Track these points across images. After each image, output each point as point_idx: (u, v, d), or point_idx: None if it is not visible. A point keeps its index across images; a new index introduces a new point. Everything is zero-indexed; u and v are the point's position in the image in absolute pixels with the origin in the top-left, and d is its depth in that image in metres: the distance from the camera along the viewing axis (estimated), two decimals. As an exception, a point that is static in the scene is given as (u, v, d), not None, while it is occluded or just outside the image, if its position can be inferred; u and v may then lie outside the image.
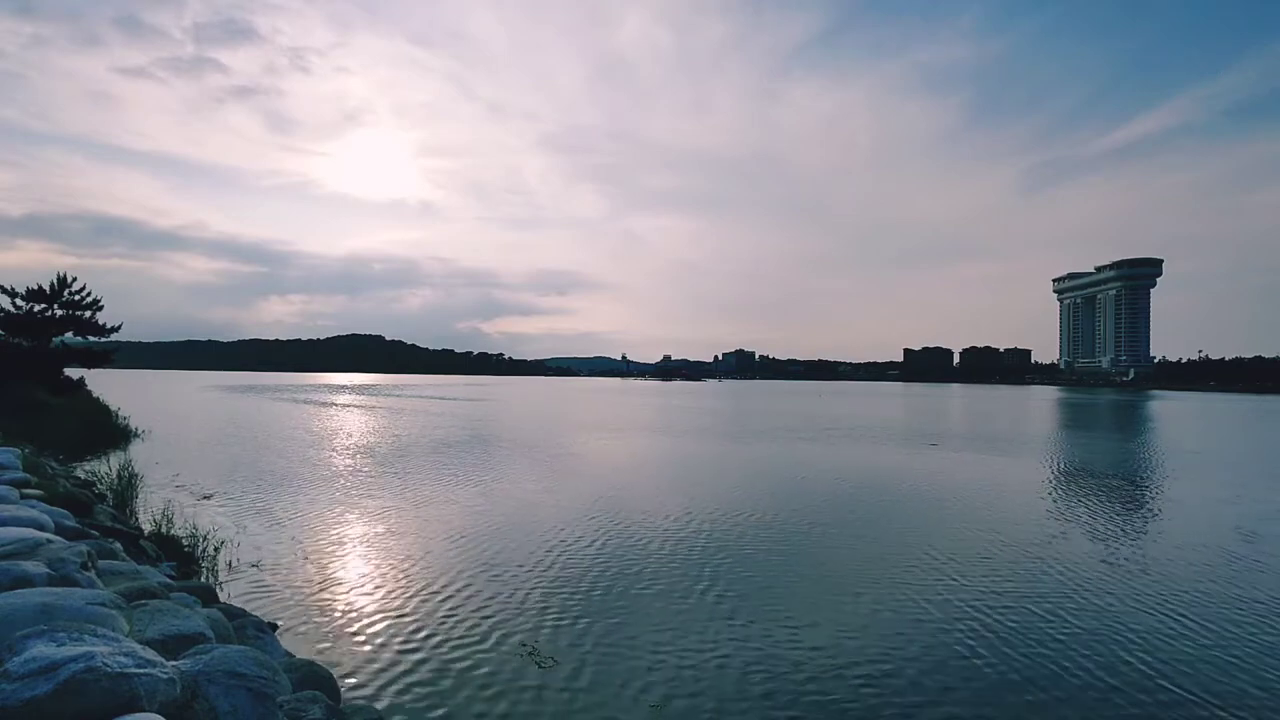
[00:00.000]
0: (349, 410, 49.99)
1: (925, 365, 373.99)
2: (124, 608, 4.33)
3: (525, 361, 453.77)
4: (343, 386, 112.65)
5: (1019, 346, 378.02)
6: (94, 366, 33.36)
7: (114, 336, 32.51)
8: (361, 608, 8.29)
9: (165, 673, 3.27)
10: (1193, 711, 6.12)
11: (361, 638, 7.35)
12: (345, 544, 11.36)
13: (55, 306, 30.67)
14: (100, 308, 31.81)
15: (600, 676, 6.58)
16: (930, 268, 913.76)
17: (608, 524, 13.16)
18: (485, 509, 14.49)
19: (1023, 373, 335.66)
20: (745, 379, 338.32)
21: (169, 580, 6.98)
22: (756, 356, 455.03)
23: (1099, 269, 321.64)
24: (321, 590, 8.90)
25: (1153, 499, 17.18)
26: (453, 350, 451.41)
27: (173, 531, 10.13)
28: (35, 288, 30.28)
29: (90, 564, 5.28)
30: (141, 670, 3.16)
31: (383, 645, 7.17)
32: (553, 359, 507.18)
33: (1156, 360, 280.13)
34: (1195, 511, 15.37)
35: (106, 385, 48.84)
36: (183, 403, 55.63)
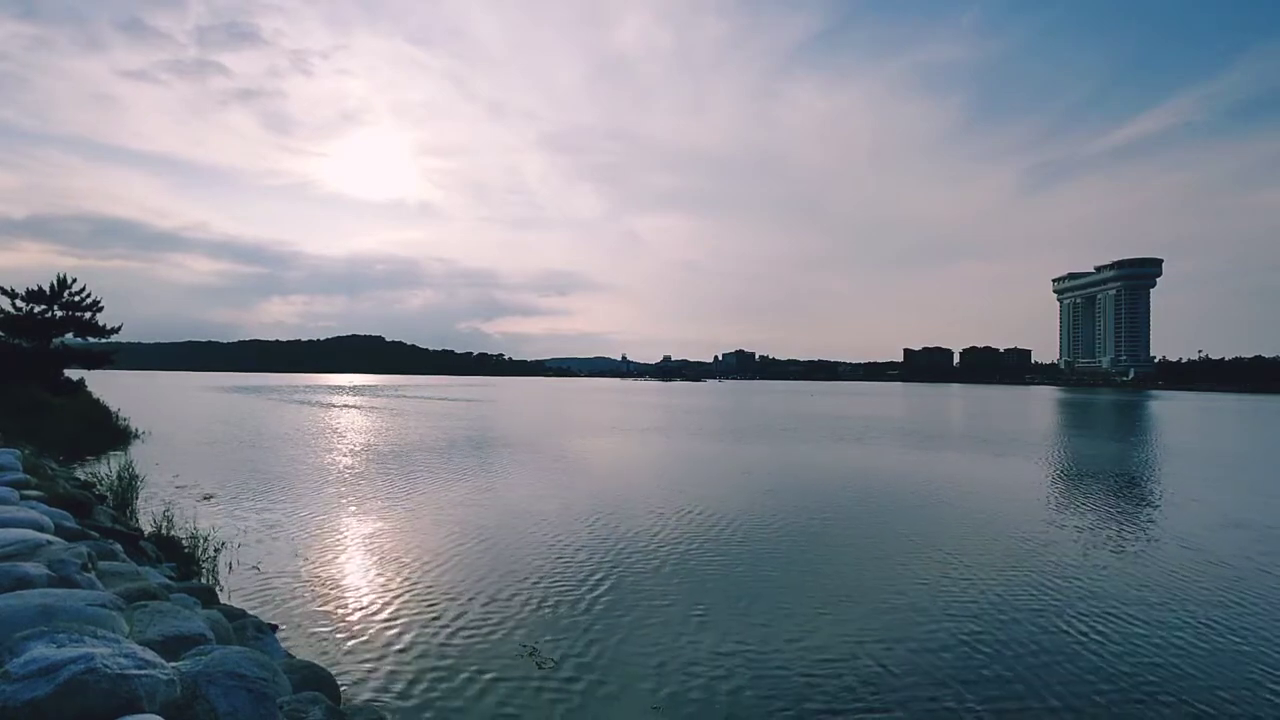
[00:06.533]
0: (349, 411, 50.00)
1: (925, 365, 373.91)
2: (124, 609, 4.34)
3: (525, 362, 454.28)
4: (343, 387, 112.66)
5: (1019, 346, 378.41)
6: (94, 367, 33.38)
7: (114, 337, 32.53)
8: (362, 608, 8.29)
9: (165, 674, 3.27)
10: (1191, 710, 6.12)
11: (362, 638, 7.35)
12: (345, 545, 11.36)
13: (55, 307, 30.68)
14: (100, 309, 31.83)
15: (601, 677, 6.58)
16: (930, 268, 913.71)
17: (608, 524, 13.16)
18: (485, 509, 14.49)
19: (1023, 373, 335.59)
20: (745, 379, 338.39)
21: (169, 581, 6.98)
22: (756, 357, 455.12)
23: (1099, 269, 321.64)
24: (322, 591, 8.90)
25: (1152, 499, 17.16)
26: (453, 351, 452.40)
27: (173, 532, 10.12)
28: (35, 289, 30.30)
29: (90, 565, 5.28)
30: (141, 671, 3.16)
31: (383, 646, 7.17)
32: (553, 359, 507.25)
33: (1156, 360, 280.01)
34: (1194, 511, 15.35)
35: (107, 386, 48.86)
36: (183, 404, 55.64)
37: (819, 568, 10.53)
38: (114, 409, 29.49)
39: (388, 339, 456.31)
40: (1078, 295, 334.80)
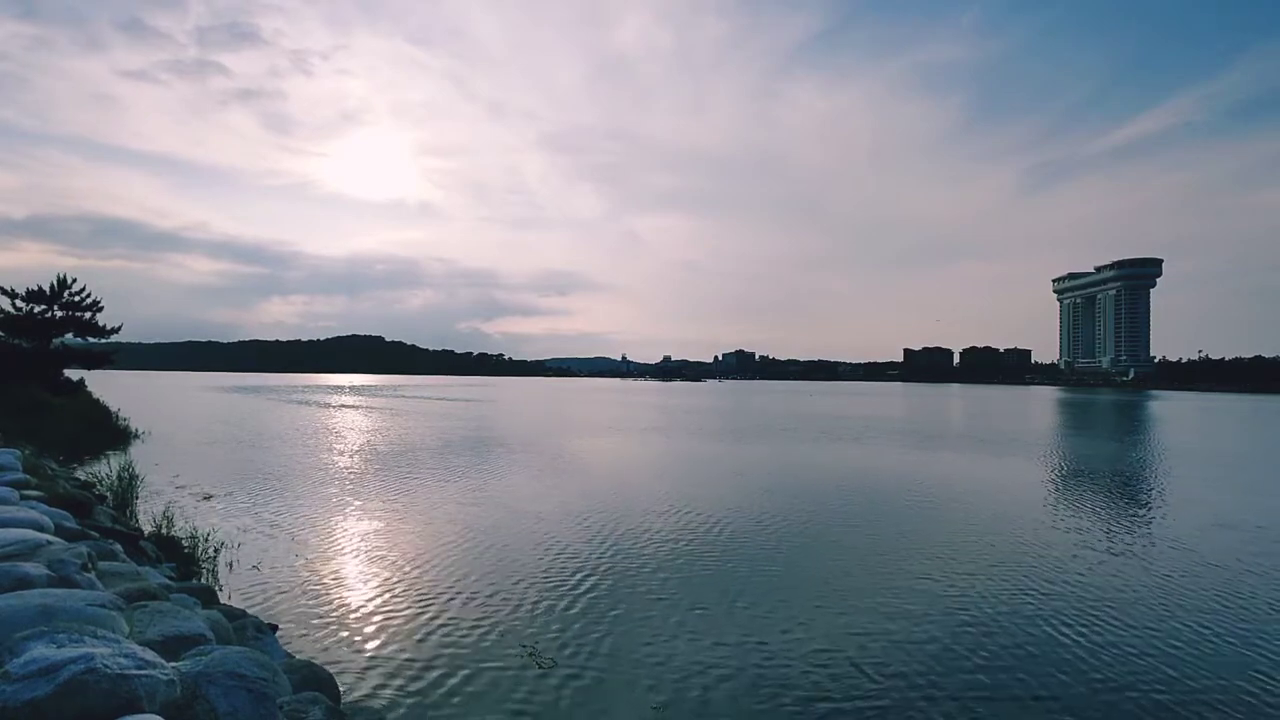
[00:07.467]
0: (349, 411, 49.99)
1: (925, 365, 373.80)
2: (124, 609, 4.34)
3: (525, 362, 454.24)
4: (343, 387, 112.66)
5: (1019, 346, 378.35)
6: (94, 367, 33.37)
7: (114, 338, 32.54)
8: (362, 608, 8.29)
9: (165, 674, 3.27)
10: (1184, 709, 6.13)
11: (362, 638, 7.35)
12: (345, 545, 11.36)
13: (55, 308, 30.68)
14: (100, 309, 31.83)
15: (601, 677, 6.58)
16: (930, 268, 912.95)
17: (607, 524, 13.16)
18: (485, 509, 14.49)
19: (1023, 373, 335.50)
20: (745, 379, 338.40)
21: (169, 581, 6.98)
22: (756, 357, 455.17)
23: (1099, 269, 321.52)
24: (321, 591, 8.90)
25: (1149, 500, 17.17)
26: (453, 351, 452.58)
27: (173, 532, 10.13)
28: (35, 289, 30.30)
29: (90, 565, 5.28)
30: (141, 671, 3.16)
31: (383, 646, 7.18)
32: (553, 359, 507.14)
33: (1156, 360, 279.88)
34: (1191, 512, 15.35)
35: (107, 386, 48.86)
36: (182, 404, 55.63)
37: (816, 566, 10.53)
38: (114, 409, 29.49)
39: (388, 339, 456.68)
40: (1078, 295, 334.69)
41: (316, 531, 12.19)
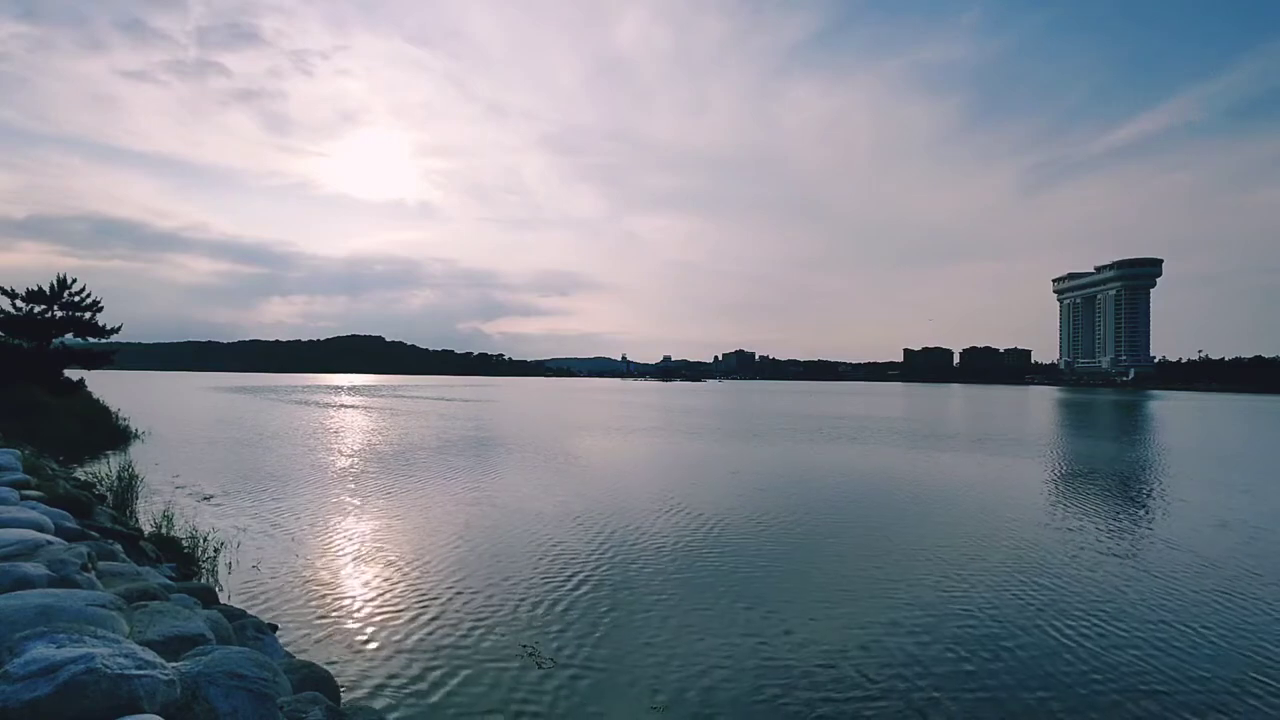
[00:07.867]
0: (349, 411, 50.00)
1: (925, 365, 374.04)
2: (124, 609, 4.34)
3: (525, 362, 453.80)
4: (343, 388, 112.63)
5: (1019, 346, 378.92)
6: (94, 367, 33.34)
7: (115, 338, 32.47)
8: (361, 608, 8.30)
9: (165, 674, 3.27)
10: (1188, 709, 6.13)
11: (361, 638, 7.36)
12: (345, 545, 11.36)
13: (55, 308, 30.65)
14: (100, 309, 31.78)
15: (600, 677, 6.59)
16: (930, 268, 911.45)
17: (607, 524, 13.16)
18: (485, 510, 14.50)
19: (1023, 373, 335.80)
20: (745, 379, 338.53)
21: (169, 581, 6.98)
22: (756, 357, 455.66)
23: (1099, 269, 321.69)
24: (321, 591, 8.91)
25: (1147, 500, 17.18)
26: (453, 351, 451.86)
27: (173, 533, 10.13)
28: (35, 289, 30.27)
29: (90, 565, 5.29)
30: (141, 672, 3.16)
31: (383, 646, 7.18)
32: (553, 360, 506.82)
33: (1156, 360, 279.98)
34: (1191, 510, 15.36)
35: (107, 386, 48.84)
36: (182, 404, 55.64)
37: (815, 566, 10.53)
38: (114, 409, 29.49)
39: (388, 339, 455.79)
40: (1078, 295, 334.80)
41: (316, 531, 12.20)
